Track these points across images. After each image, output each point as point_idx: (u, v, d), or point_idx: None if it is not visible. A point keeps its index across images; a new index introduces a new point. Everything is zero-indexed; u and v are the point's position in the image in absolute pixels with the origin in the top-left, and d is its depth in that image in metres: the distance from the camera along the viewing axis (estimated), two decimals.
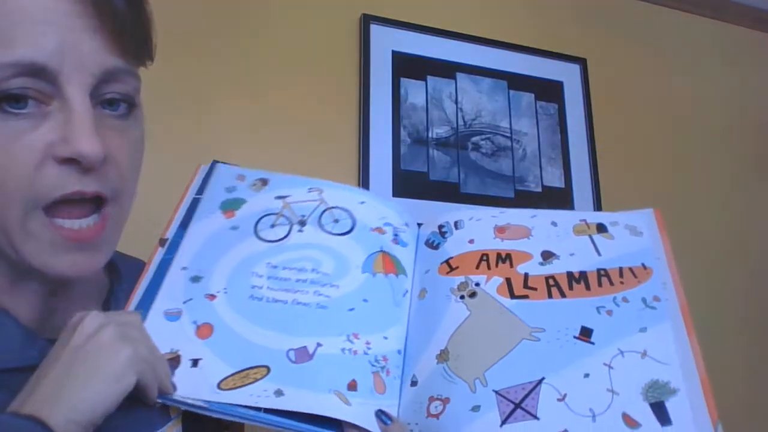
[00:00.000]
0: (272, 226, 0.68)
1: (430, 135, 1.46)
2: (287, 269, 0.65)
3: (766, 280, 1.74)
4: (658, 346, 0.58)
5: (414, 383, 0.60)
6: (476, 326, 0.62)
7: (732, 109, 1.85)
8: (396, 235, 0.70)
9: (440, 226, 0.72)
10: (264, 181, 0.71)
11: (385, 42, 1.41)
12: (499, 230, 0.69)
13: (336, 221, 0.69)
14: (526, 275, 0.65)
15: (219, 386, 0.55)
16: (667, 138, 1.72)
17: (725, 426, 0.53)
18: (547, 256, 0.66)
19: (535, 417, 0.55)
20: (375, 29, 1.40)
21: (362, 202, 0.71)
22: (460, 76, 1.50)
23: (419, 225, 0.74)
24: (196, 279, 0.63)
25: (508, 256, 0.67)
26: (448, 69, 1.49)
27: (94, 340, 0.47)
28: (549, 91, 1.60)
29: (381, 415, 0.56)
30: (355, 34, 1.39)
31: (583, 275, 0.64)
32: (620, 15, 1.73)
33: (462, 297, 0.65)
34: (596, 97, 1.63)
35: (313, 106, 1.35)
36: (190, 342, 0.58)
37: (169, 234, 0.66)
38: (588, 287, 0.63)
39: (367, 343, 0.61)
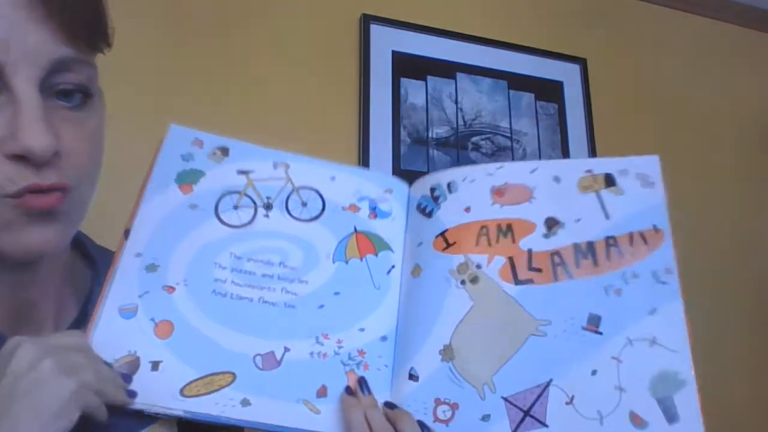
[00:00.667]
0: (235, 207, 0.61)
1: (430, 135, 1.43)
2: (252, 261, 0.59)
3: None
4: (668, 331, 0.54)
5: (414, 377, 0.56)
6: (481, 320, 0.57)
7: (732, 108, 1.83)
8: (374, 207, 0.63)
9: (432, 189, 0.64)
10: (224, 150, 0.63)
11: (385, 42, 1.40)
12: (497, 193, 0.62)
13: (304, 204, 0.62)
14: (530, 252, 0.59)
15: (182, 393, 0.52)
16: (667, 138, 1.69)
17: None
18: (552, 224, 0.59)
19: (544, 424, 0.53)
20: (375, 29, 1.39)
21: (333, 178, 0.64)
22: (460, 76, 1.49)
23: (410, 185, 0.67)
24: (152, 268, 0.56)
25: (510, 227, 0.60)
26: (448, 69, 1.47)
27: (33, 374, 0.43)
28: (549, 91, 1.57)
29: (361, 384, 0.55)
30: (355, 34, 1.38)
31: (590, 247, 0.58)
32: (620, 15, 1.72)
33: (463, 282, 0.59)
34: (596, 97, 1.61)
35: (313, 105, 1.34)
36: (149, 342, 0.53)
37: (134, 223, 0.59)
38: (596, 263, 0.57)
39: (339, 341, 0.57)
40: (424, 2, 1.46)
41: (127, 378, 0.50)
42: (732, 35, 1.88)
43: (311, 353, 0.56)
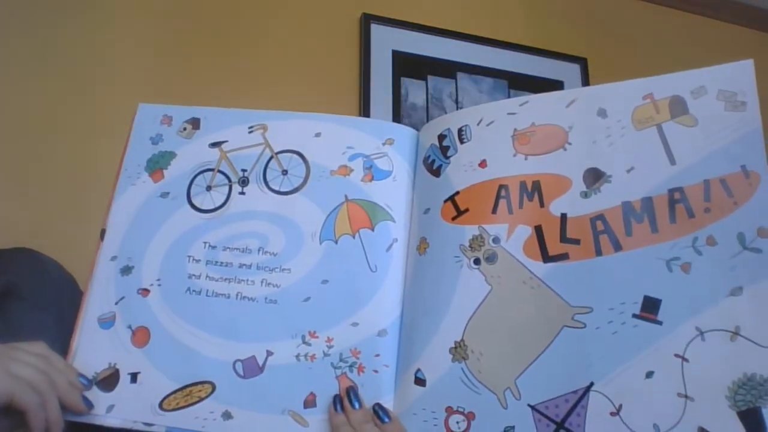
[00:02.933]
0: (208, 188, 0.54)
1: None
2: (228, 250, 0.52)
3: None
4: (759, 319, 0.40)
5: (420, 381, 0.47)
6: (500, 309, 0.46)
7: None
8: (369, 167, 0.53)
9: (440, 137, 0.52)
10: (195, 123, 0.55)
11: (386, 42, 1.41)
12: (521, 138, 0.48)
13: (284, 173, 0.53)
14: (563, 218, 0.45)
15: (161, 406, 0.49)
16: None
17: None
18: (594, 178, 0.45)
19: None
20: (375, 29, 1.40)
21: (318, 134, 0.54)
22: (460, 75, 1.48)
23: (418, 132, 0.55)
24: (126, 270, 0.52)
25: (536, 185, 0.47)
26: (448, 68, 1.46)
27: None
28: (549, 90, 1.39)
29: (379, 411, 0.47)
30: (355, 34, 1.39)
31: (647, 205, 0.43)
32: (620, 15, 1.72)
33: (477, 261, 0.47)
34: None
35: (313, 105, 1.29)
36: (127, 352, 0.50)
37: (108, 222, 0.55)
38: (654, 227, 0.43)
39: (328, 340, 0.49)
40: (424, 2, 1.48)
41: (87, 383, 0.49)
42: (732, 35, 1.87)
43: (297, 356, 0.49)
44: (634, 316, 0.42)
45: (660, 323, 0.41)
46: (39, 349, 0.46)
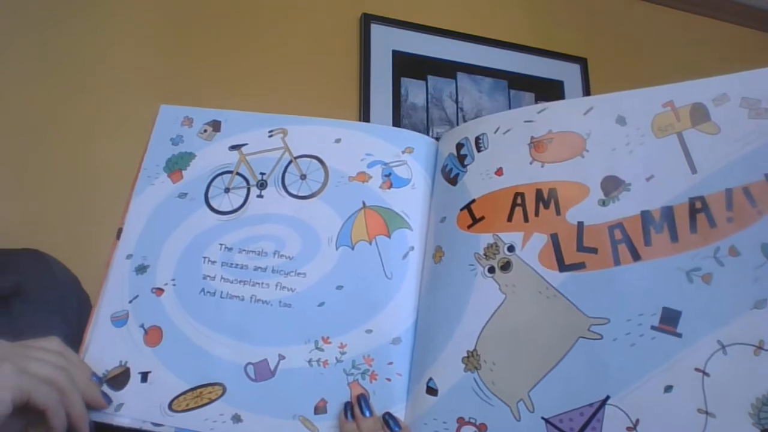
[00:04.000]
0: (226, 190, 0.54)
1: (430, 134, 1.41)
2: (244, 252, 0.52)
3: None
4: None
5: (432, 391, 0.47)
6: (514, 319, 0.45)
7: None
8: (388, 174, 0.53)
9: (458, 146, 0.51)
10: (215, 126, 0.56)
11: (385, 42, 1.42)
12: (538, 146, 0.47)
13: (303, 177, 0.54)
14: (580, 226, 0.45)
15: (171, 407, 0.49)
16: None
17: None
18: (612, 186, 0.44)
19: None
20: (375, 29, 1.41)
21: (337, 140, 0.54)
22: (460, 75, 1.49)
23: (437, 139, 0.55)
24: (141, 269, 0.53)
25: (553, 193, 0.46)
26: (448, 68, 1.47)
27: None
28: (549, 90, 1.56)
29: (389, 420, 0.46)
30: (355, 34, 1.40)
31: (667, 215, 0.42)
32: (620, 15, 1.73)
33: (491, 270, 0.46)
34: None
35: (313, 105, 1.33)
36: (139, 351, 0.50)
37: (126, 221, 0.56)
38: (675, 237, 0.42)
39: (341, 346, 0.49)
40: (424, 2, 1.48)
41: (97, 380, 0.49)
42: (732, 35, 1.88)
43: (309, 361, 0.49)
44: (653, 328, 0.41)
45: (679, 335, 0.40)
46: (55, 345, 0.47)
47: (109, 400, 0.48)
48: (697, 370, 0.39)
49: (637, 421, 0.40)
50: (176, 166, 0.55)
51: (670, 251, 0.42)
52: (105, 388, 0.49)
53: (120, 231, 0.54)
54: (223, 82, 1.23)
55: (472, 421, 0.45)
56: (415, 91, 1.43)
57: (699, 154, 0.42)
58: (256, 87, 1.26)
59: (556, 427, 0.42)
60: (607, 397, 0.41)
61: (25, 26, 1.04)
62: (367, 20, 1.40)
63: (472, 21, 1.51)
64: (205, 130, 0.56)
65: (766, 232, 0.39)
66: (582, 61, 1.61)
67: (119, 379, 0.49)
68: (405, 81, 1.42)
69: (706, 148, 0.42)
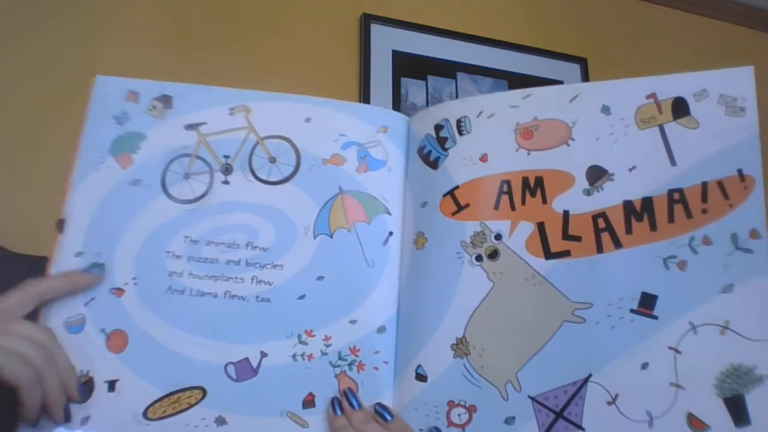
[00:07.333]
0: (186, 176, 0.49)
1: None
2: (213, 245, 0.49)
3: None
4: (747, 314, 0.43)
5: (422, 377, 0.48)
6: (502, 306, 0.47)
7: None
8: (363, 155, 0.51)
9: (437, 128, 0.50)
10: (166, 101, 0.50)
11: (385, 42, 1.42)
12: (524, 133, 0.48)
13: (272, 161, 0.50)
14: (566, 215, 0.46)
15: (146, 415, 0.46)
16: None
17: None
18: (596, 176, 0.46)
19: (580, 427, 0.45)
20: (375, 29, 1.41)
21: (307, 119, 0.51)
22: (460, 75, 1.48)
23: (408, 118, 0.53)
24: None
25: (539, 181, 0.47)
26: (448, 68, 1.47)
27: None
28: None
29: (381, 410, 0.47)
30: (355, 34, 1.39)
31: (647, 205, 0.45)
32: (620, 15, 1.73)
33: (479, 258, 0.47)
34: None
35: None
36: (102, 358, 0.46)
37: (67, 211, 0.49)
38: (654, 226, 0.45)
39: (326, 338, 0.48)
40: (424, 2, 1.48)
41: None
42: (732, 35, 1.88)
43: (293, 356, 0.48)
44: (632, 311, 0.45)
45: (656, 318, 0.44)
46: (40, 326, 0.44)
47: (84, 394, 0.44)
48: (670, 348, 0.44)
49: (617, 395, 0.44)
50: (124, 148, 0.49)
51: (650, 239, 0.45)
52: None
53: (62, 223, 0.48)
54: (222, 82, 1.16)
55: (461, 403, 0.47)
56: (415, 91, 1.43)
57: (679, 148, 0.45)
58: (256, 87, 1.19)
59: (541, 405, 0.46)
60: (589, 375, 0.45)
61: (25, 25, 0.99)
62: (367, 20, 1.40)
63: (472, 21, 1.51)
64: (154, 107, 0.49)
65: (736, 223, 0.43)
66: (582, 61, 1.62)
67: (83, 389, 0.45)
68: (405, 81, 1.42)
69: (686, 142, 0.45)
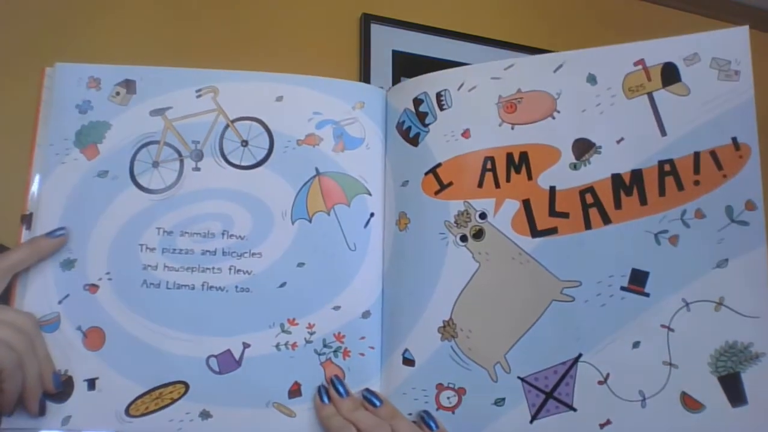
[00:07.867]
0: (155, 164, 0.47)
1: None
2: (187, 235, 0.47)
3: None
4: (743, 290, 0.42)
5: (409, 362, 0.47)
6: (489, 286, 0.46)
7: None
8: (340, 134, 0.48)
9: (417, 102, 0.48)
10: (129, 86, 0.48)
11: (386, 42, 1.41)
12: (508, 106, 0.45)
13: (244, 144, 0.48)
14: (552, 191, 0.45)
15: (128, 412, 0.45)
16: None
17: None
18: (583, 149, 0.44)
19: (571, 408, 0.44)
20: (375, 29, 1.40)
21: (279, 98, 0.48)
22: None
23: (386, 91, 0.51)
24: (68, 264, 0.46)
25: (524, 157, 0.45)
26: (448, 69, 1.34)
27: None
28: None
29: (369, 396, 0.46)
30: (355, 34, 1.39)
31: (636, 178, 0.43)
32: (620, 15, 1.70)
33: (463, 238, 0.45)
34: None
35: None
36: (80, 356, 0.46)
37: (33, 206, 0.47)
38: (644, 200, 0.43)
39: (309, 326, 0.47)
40: (424, 2, 1.46)
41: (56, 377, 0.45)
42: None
43: (277, 345, 0.47)
44: (622, 288, 0.43)
45: (647, 295, 0.43)
46: (19, 310, 0.43)
47: (58, 385, 0.44)
48: (662, 326, 0.43)
49: (608, 375, 0.43)
50: (89, 139, 0.47)
51: (639, 214, 0.43)
52: (46, 401, 0.44)
53: (27, 218, 0.46)
54: None
55: (450, 386, 0.46)
56: None
57: (669, 116, 0.43)
58: None
59: (531, 385, 0.45)
60: (580, 355, 0.44)
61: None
62: (367, 20, 1.39)
63: (472, 21, 1.49)
64: (118, 93, 0.47)
65: (730, 195, 0.42)
66: None
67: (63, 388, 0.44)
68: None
69: (677, 111, 0.43)
